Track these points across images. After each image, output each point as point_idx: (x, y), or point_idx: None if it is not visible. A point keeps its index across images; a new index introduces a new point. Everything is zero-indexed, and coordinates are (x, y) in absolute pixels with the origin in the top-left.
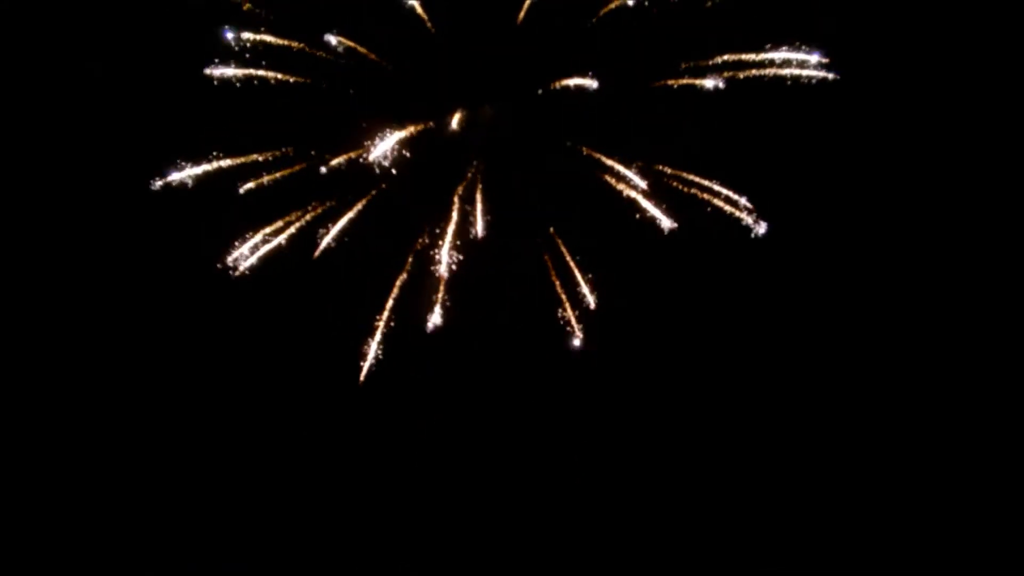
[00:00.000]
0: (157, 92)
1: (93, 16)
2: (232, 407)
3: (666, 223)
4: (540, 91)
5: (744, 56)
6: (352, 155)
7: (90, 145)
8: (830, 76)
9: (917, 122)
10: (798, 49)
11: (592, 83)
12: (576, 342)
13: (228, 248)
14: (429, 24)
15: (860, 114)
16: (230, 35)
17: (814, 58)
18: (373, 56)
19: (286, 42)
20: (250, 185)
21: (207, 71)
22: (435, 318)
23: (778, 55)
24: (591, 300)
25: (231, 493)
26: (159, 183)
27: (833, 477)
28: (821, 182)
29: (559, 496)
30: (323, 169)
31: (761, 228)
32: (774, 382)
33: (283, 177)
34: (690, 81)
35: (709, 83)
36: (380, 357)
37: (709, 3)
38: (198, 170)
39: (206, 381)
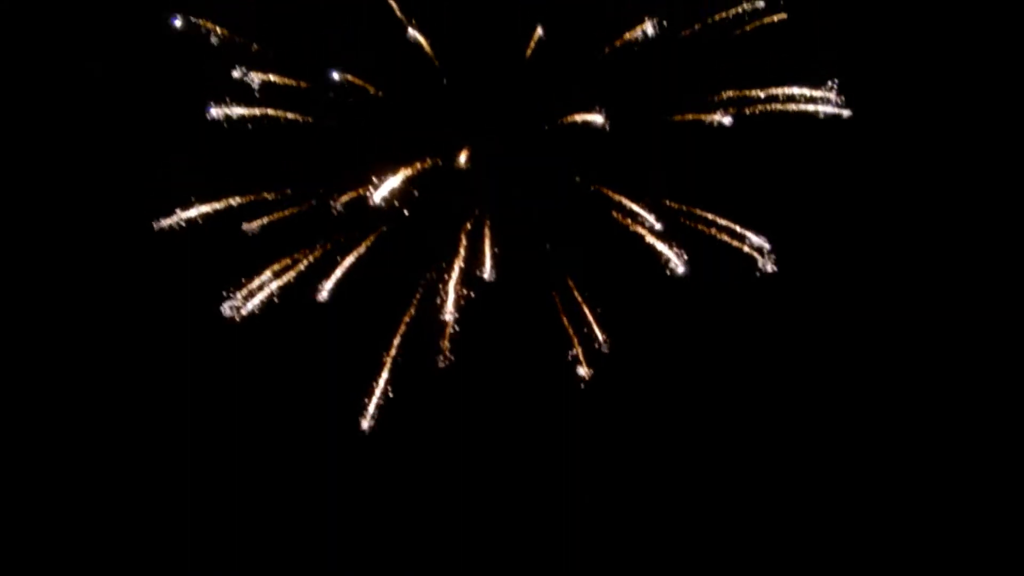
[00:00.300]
0: (158, 130)
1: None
2: (236, 453)
3: (677, 260)
4: (548, 127)
5: (757, 91)
6: (357, 193)
7: (90, 185)
8: (844, 112)
9: (933, 156)
10: (812, 85)
11: (600, 119)
12: (584, 378)
13: (230, 289)
14: (434, 59)
15: (875, 150)
16: (236, 74)
17: (828, 94)
18: (378, 92)
19: (289, 80)
20: (253, 225)
21: (210, 111)
22: (442, 358)
23: (791, 90)
24: (601, 338)
25: (230, 543)
26: (161, 223)
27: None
28: (836, 219)
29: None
30: (336, 207)
31: (773, 266)
32: (785, 423)
33: (286, 217)
34: (702, 116)
35: (721, 118)
36: (390, 395)
37: (720, 38)
38: (200, 210)
39: (209, 425)
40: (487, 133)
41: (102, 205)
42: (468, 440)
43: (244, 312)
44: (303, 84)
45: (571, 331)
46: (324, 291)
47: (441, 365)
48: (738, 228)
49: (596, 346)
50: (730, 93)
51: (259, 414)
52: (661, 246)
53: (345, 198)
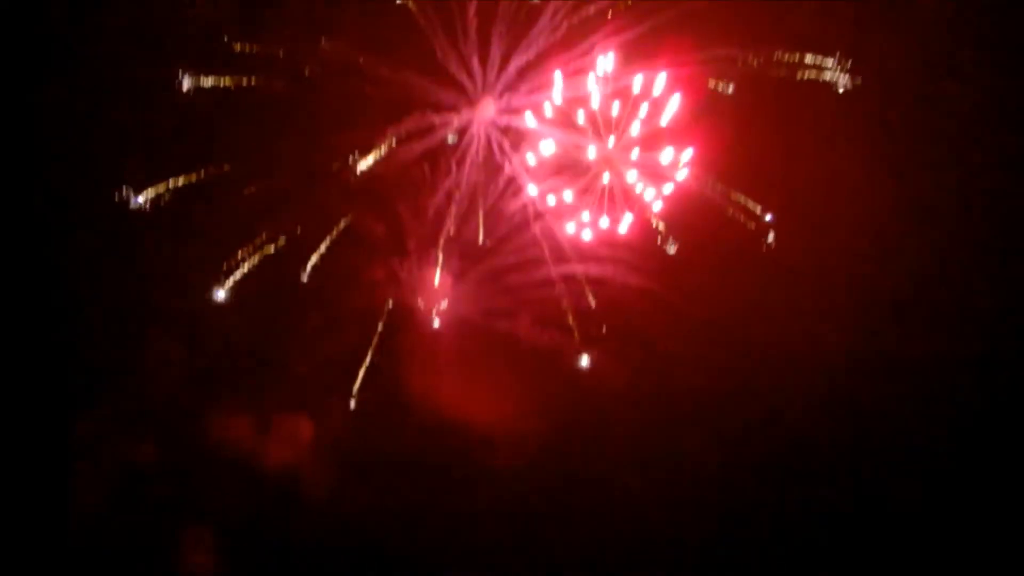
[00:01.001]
0: (138, 101)
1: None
2: (221, 440)
3: (671, 239)
4: (546, 89)
5: (761, 59)
6: (346, 164)
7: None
8: (846, 84)
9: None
10: (817, 55)
11: (598, 88)
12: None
13: (210, 270)
14: (424, 26)
15: (880, 121)
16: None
17: (832, 63)
18: (366, 61)
19: (273, 49)
20: (235, 200)
21: (186, 80)
22: (434, 323)
23: (796, 58)
24: (593, 304)
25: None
26: (138, 199)
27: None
28: (839, 191)
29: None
30: (327, 179)
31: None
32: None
33: (272, 191)
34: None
35: (726, 87)
36: (377, 366)
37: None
38: (175, 185)
39: (192, 413)
40: (482, 100)
41: (73, 189)
42: (456, 420)
43: (227, 289)
44: (288, 52)
45: (567, 302)
46: (308, 269)
47: (432, 327)
48: (746, 199)
49: (588, 304)
50: (740, 60)
51: (242, 399)
52: (658, 222)
53: (335, 167)
